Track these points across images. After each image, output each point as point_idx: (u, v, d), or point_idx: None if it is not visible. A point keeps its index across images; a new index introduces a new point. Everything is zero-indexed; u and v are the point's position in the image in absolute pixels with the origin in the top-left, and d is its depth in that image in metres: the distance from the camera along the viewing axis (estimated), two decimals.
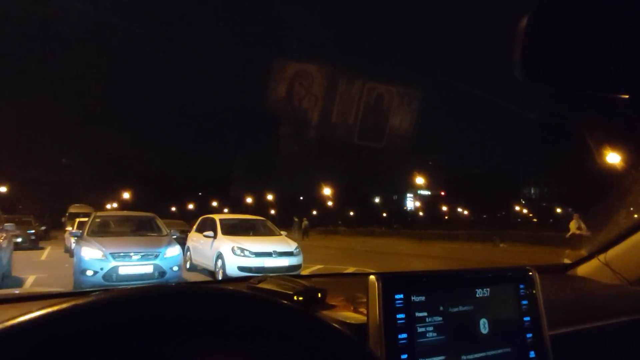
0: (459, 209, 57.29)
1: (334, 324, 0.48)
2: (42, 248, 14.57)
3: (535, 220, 46.16)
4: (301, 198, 55.92)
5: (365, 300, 0.82)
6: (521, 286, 0.98)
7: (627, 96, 0.67)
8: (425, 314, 0.83)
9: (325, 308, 1.00)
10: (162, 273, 6.91)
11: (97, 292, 0.41)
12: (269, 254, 8.24)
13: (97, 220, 7.98)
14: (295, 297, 0.97)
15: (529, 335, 0.96)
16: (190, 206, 45.37)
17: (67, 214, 18.66)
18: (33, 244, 14.29)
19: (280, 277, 1.10)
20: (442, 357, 0.83)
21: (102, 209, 23.61)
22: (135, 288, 0.42)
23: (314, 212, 50.16)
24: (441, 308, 0.86)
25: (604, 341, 1.24)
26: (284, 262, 8.22)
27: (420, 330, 0.82)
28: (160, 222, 8.46)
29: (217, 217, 9.69)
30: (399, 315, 0.80)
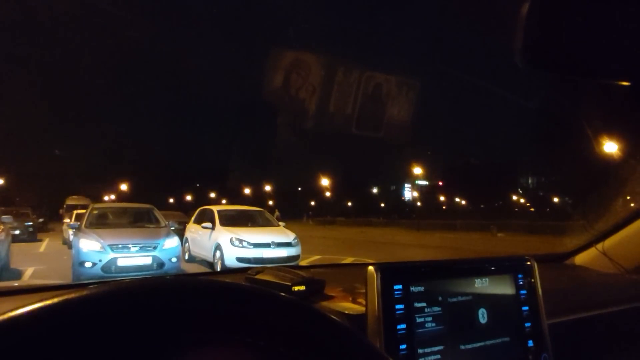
0: (457, 199, 57.50)
1: (332, 316, 0.47)
2: (40, 240, 14.57)
3: (532, 209, 46.39)
4: (299, 189, 56.02)
5: (363, 291, 0.82)
6: (520, 276, 0.98)
7: (628, 83, 0.66)
8: (424, 304, 0.83)
9: (323, 299, 1.00)
10: (161, 264, 6.92)
11: (94, 285, 0.41)
12: (267, 245, 8.26)
13: (95, 212, 7.97)
14: (293, 288, 0.97)
15: (528, 324, 0.96)
16: (188, 197, 45.37)
17: (64, 206, 18.59)
18: (31, 236, 14.29)
19: (278, 268, 1.10)
20: (441, 347, 0.83)
21: (100, 200, 23.60)
22: (131, 281, 0.42)
23: (312, 203, 50.29)
24: (440, 298, 0.86)
25: (602, 329, 1.24)
26: (283, 252, 8.25)
27: (419, 320, 0.82)
28: (158, 213, 8.45)
29: (215, 208, 9.69)
30: (398, 306, 0.80)
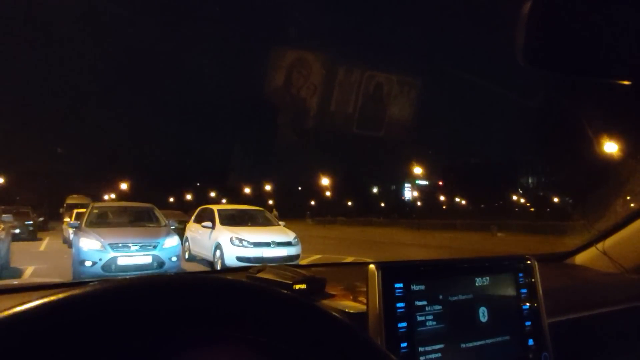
0: (457, 199, 57.45)
1: (334, 313, 0.48)
2: (41, 239, 14.58)
3: (532, 209, 46.34)
4: (299, 188, 56.02)
5: (364, 289, 0.82)
6: (520, 275, 0.99)
7: (628, 82, 0.67)
8: (424, 302, 0.83)
9: (324, 297, 1.00)
10: (161, 263, 6.92)
11: (94, 283, 0.41)
12: (267, 244, 8.25)
13: (95, 211, 7.97)
14: (294, 287, 0.97)
15: (528, 323, 0.96)
16: (188, 197, 45.31)
17: (64, 205, 18.58)
18: (31, 235, 14.29)
19: (279, 266, 1.10)
20: (442, 346, 0.84)
21: (100, 199, 23.59)
22: (132, 278, 0.42)
23: (313, 202, 50.30)
24: (441, 297, 0.86)
25: (602, 328, 1.24)
26: (283, 252, 8.24)
27: (419, 319, 0.82)
28: (158, 212, 8.45)
29: (215, 208, 9.68)
30: (399, 304, 0.80)
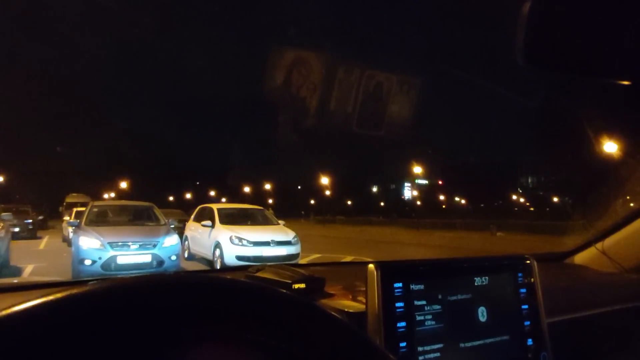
0: (457, 198, 57.48)
1: (333, 313, 0.48)
2: (40, 237, 14.59)
3: (532, 209, 46.37)
4: (299, 187, 56.05)
5: (363, 289, 0.82)
6: (519, 274, 0.99)
7: (628, 82, 0.67)
8: (424, 302, 0.83)
9: (323, 297, 1.01)
10: (161, 262, 6.93)
11: (94, 281, 0.41)
12: (266, 243, 8.26)
13: (95, 209, 7.97)
14: (293, 286, 0.97)
15: (527, 322, 0.96)
16: (188, 195, 45.31)
17: (64, 204, 18.63)
18: (31, 234, 14.31)
19: (279, 266, 1.10)
20: (441, 345, 0.84)
21: (100, 198, 23.58)
22: (132, 277, 0.42)
23: (312, 201, 50.33)
24: (440, 296, 0.86)
25: (601, 328, 1.24)
26: (282, 251, 8.25)
27: (419, 318, 0.82)
28: (158, 211, 8.45)
29: (215, 207, 9.69)
30: (398, 304, 0.80)
